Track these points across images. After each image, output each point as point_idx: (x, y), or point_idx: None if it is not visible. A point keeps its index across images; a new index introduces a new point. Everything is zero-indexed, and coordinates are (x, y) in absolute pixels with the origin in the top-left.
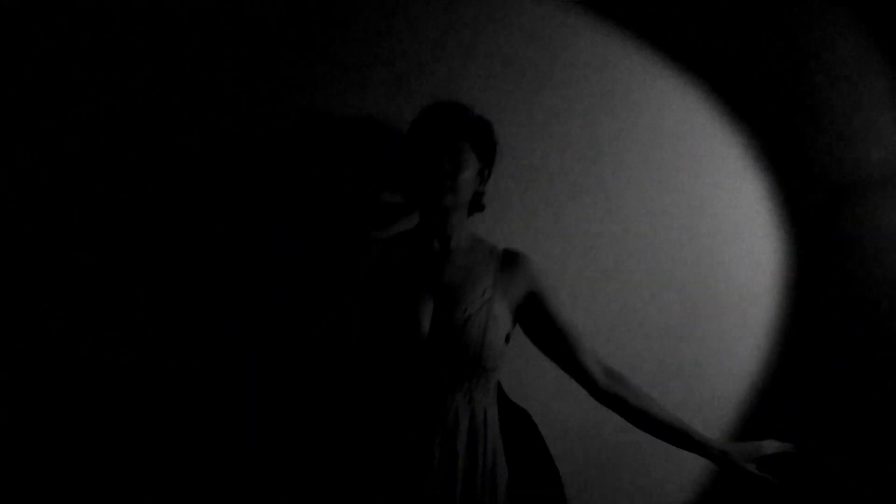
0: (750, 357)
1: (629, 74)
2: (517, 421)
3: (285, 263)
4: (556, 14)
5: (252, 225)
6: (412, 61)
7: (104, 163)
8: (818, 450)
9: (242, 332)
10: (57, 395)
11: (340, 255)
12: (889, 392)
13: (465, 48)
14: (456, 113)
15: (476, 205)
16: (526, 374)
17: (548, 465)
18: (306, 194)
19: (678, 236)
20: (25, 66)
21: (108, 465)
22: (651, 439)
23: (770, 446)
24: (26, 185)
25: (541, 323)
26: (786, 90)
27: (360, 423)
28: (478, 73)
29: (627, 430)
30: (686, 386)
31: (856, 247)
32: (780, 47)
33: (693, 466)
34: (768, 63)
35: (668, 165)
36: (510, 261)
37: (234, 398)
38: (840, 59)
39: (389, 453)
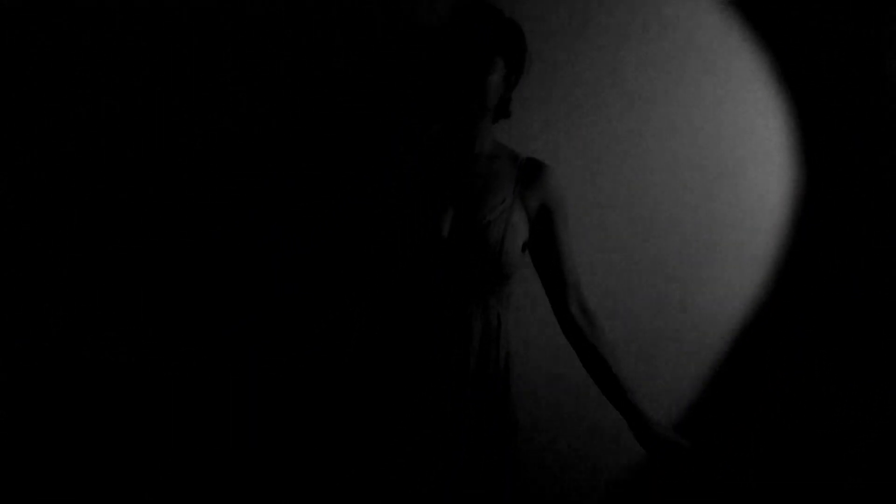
0: (745, 291)
1: None
2: None
3: (285, 263)
4: None
5: (252, 225)
6: None
7: (104, 163)
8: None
9: (242, 332)
10: (57, 395)
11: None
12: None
13: None
14: (486, 15)
15: (502, 111)
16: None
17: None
18: (306, 194)
19: (699, 154)
20: (25, 66)
21: (108, 465)
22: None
23: (684, 443)
24: (26, 185)
25: (541, 236)
26: (827, 10)
27: (370, 339)
28: None
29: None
30: (680, 308)
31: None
32: None
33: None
34: None
35: (697, 82)
36: (532, 170)
37: (234, 398)
38: None
39: (401, 359)
